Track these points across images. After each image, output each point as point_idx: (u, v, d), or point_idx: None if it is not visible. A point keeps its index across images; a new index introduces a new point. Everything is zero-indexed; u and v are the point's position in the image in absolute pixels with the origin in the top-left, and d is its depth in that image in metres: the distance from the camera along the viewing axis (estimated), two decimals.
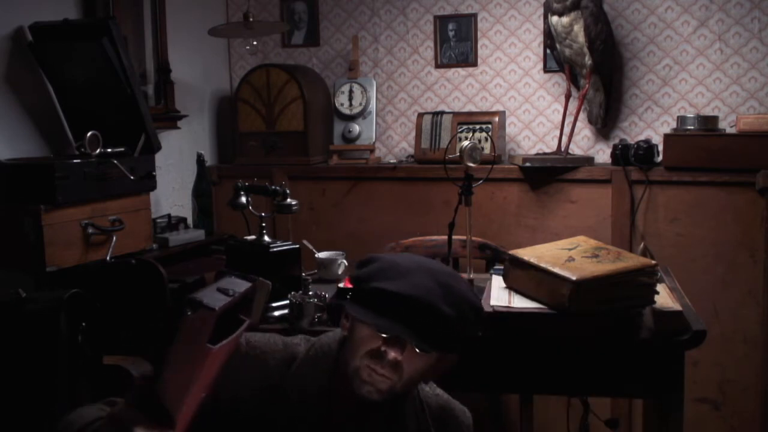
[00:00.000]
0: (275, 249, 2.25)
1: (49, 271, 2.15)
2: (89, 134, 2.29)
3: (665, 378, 1.87)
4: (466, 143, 2.19)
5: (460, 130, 3.18)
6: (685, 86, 3.21)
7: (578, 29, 3.00)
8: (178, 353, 1.22)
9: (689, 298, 2.12)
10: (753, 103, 3.14)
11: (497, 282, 2.08)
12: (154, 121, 2.69)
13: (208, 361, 1.25)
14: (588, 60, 3.05)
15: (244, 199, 2.35)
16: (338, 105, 3.44)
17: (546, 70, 3.37)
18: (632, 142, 3.10)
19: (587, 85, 3.11)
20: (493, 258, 2.75)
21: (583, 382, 1.96)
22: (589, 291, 1.80)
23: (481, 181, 2.25)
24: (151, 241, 2.61)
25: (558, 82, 3.35)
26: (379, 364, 1.45)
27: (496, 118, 3.23)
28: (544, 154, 3.27)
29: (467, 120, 3.26)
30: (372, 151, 3.42)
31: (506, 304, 1.91)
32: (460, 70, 3.48)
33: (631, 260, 1.89)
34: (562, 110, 3.23)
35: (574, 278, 1.79)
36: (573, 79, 3.20)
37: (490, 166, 2.38)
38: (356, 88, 3.42)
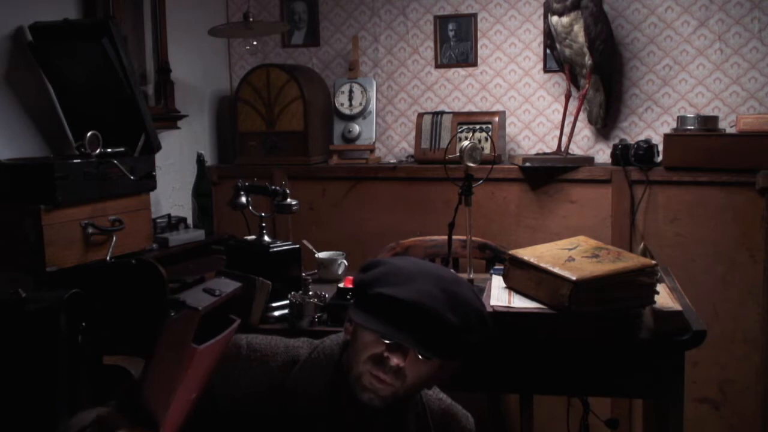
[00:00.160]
0: (275, 249, 2.25)
1: (49, 271, 2.15)
2: (89, 134, 2.29)
3: (665, 378, 1.87)
4: (466, 143, 2.19)
5: (460, 130, 3.18)
6: (685, 86, 3.21)
7: (578, 29, 3.00)
8: (162, 354, 1.22)
9: (689, 298, 2.13)
10: (753, 103, 3.14)
11: (497, 282, 2.08)
12: (154, 121, 2.69)
13: (195, 361, 1.25)
14: (588, 60, 3.05)
15: (244, 199, 2.35)
16: (338, 105, 3.44)
17: (546, 70, 3.37)
18: (632, 142, 3.10)
19: (587, 85, 3.11)
20: (493, 258, 2.75)
21: (583, 382, 1.96)
22: (589, 291, 1.80)
23: (481, 181, 2.24)
24: (151, 241, 2.61)
25: (558, 82, 3.35)
26: (381, 369, 1.44)
27: (496, 118, 3.23)
28: (544, 154, 3.27)
29: (467, 120, 3.26)
30: (372, 151, 3.42)
31: (506, 304, 1.91)
32: (460, 70, 3.48)
33: (631, 260, 1.89)
34: (562, 110, 3.23)
35: (574, 278, 1.79)
36: (573, 79, 3.20)
37: (490, 166, 2.38)
38: (356, 88, 3.42)
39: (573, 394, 2.27)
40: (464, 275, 2.23)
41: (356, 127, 3.42)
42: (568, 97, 3.17)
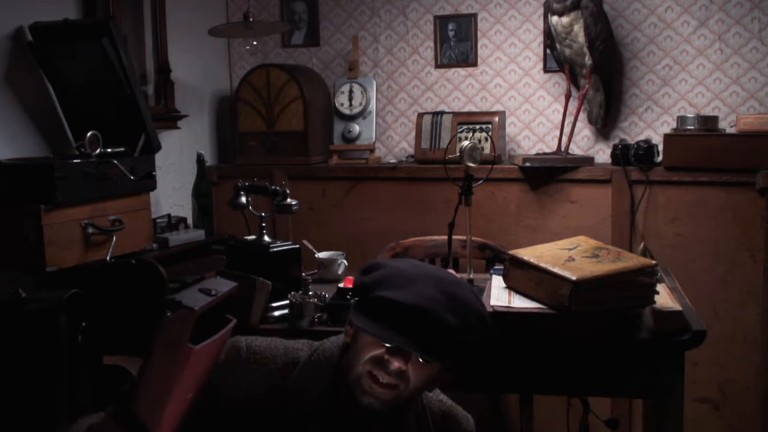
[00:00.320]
0: (275, 249, 2.25)
1: (49, 271, 2.15)
2: (89, 134, 2.29)
3: (665, 378, 1.87)
4: (466, 143, 2.19)
5: (460, 130, 3.18)
6: (685, 86, 3.21)
7: (578, 29, 3.00)
8: (158, 355, 1.22)
9: (689, 298, 2.13)
10: (753, 103, 3.14)
11: (497, 282, 2.08)
12: (154, 121, 2.69)
13: (191, 361, 1.25)
14: (588, 60, 3.05)
15: (244, 199, 2.35)
16: (338, 105, 3.44)
17: (546, 70, 3.37)
18: (632, 142, 3.10)
19: (587, 85, 3.11)
20: (493, 258, 2.75)
21: (583, 382, 1.96)
22: (589, 291, 1.80)
23: (481, 181, 2.24)
24: (151, 241, 2.61)
25: (558, 82, 3.35)
26: (382, 370, 1.44)
27: (496, 118, 3.23)
28: (544, 154, 3.27)
29: (467, 120, 3.26)
30: (372, 151, 3.42)
31: (506, 304, 1.91)
32: (460, 70, 3.48)
33: (631, 260, 1.89)
34: (562, 110, 3.23)
35: (574, 278, 1.79)
36: (573, 79, 3.20)
37: (490, 166, 2.38)
38: (356, 88, 3.42)
39: (573, 394, 2.27)
40: (464, 275, 2.23)
41: (356, 127, 3.42)
42: (568, 97, 3.17)
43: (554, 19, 3.04)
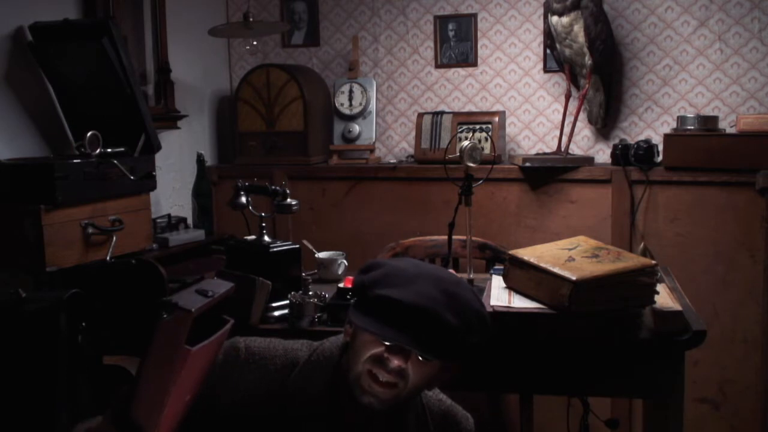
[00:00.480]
0: (275, 249, 2.25)
1: (49, 271, 2.15)
2: (89, 134, 2.29)
3: (665, 378, 1.87)
4: (466, 143, 2.19)
5: (460, 130, 3.18)
6: (685, 86, 3.21)
7: (578, 29, 3.00)
8: (155, 357, 1.22)
9: (689, 298, 2.13)
10: (753, 103, 3.14)
11: (497, 282, 2.08)
12: (154, 121, 2.69)
13: (188, 363, 1.25)
14: (588, 60, 3.05)
15: (244, 199, 2.34)
16: (338, 105, 3.44)
17: (546, 70, 3.37)
18: (632, 142, 3.10)
19: (587, 85, 3.11)
20: (493, 258, 2.75)
21: (583, 382, 1.96)
22: (589, 291, 1.80)
23: (481, 181, 2.24)
24: (151, 241, 2.61)
25: (558, 82, 3.35)
26: (381, 368, 1.44)
27: (496, 118, 3.23)
28: (544, 154, 3.27)
29: (467, 120, 3.26)
30: (372, 151, 3.42)
31: (506, 304, 1.91)
32: (460, 70, 3.48)
33: (631, 260, 1.89)
34: (562, 110, 3.23)
35: (574, 278, 1.79)
36: (573, 79, 3.20)
37: (490, 166, 2.38)
38: (356, 88, 3.42)
39: (573, 394, 2.27)
40: (464, 275, 2.23)
41: (356, 127, 3.42)
42: (568, 97, 3.17)
43: (554, 19, 3.04)
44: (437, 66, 3.50)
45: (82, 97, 2.51)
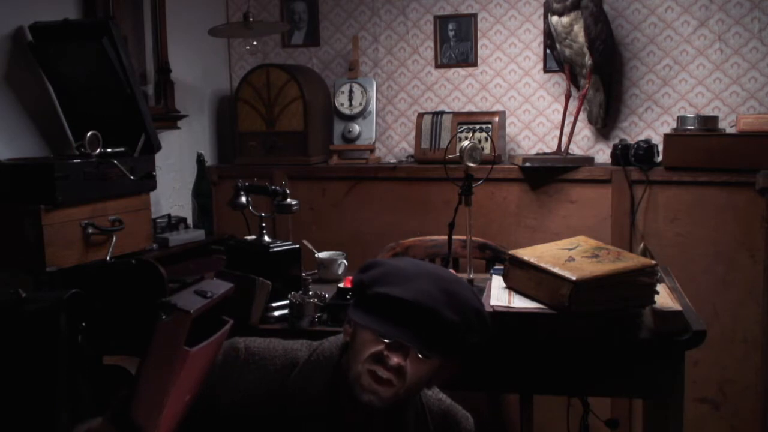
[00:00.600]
0: (275, 249, 2.25)
1: (49, 271, 2.14)
2: (89, 134, 2.29)
3: (665, 378, 1.87)
4: (466, 143, 2.19)
5: (460, 130, 3.18)
6: (685, 86, 3.21)
7: (578, 29, 3.00)
8: (154, 358, 1.22)
9: (689, 298, 2.12)
10: (753, 103, 3.14)
11: (497, 282, 2.08)
12: (154, 121, 2.69)
13: (188, 364, 1.25)
14: (588, 60, 3.05)
15: (244, 199, 2.34)
16: (338, 105, 3.44)
17: (546, 70, 3.37)
18: (632, 142, 3.10)
19: (587, 85, 3.11)
20: (493, 258, 2.75)
21: (583, 382, 1.96)
22: (589, 291, 1.80)
23: (481, 181, 2.24)
24: (151, 241, 2.61)
25: (558, 82, 3.35)
26: (381, 366, 1.44)
27: (496, 118, 3.23)
28: (544, 154, 3.27)
29: (467, 120, 3.26)
30: (372, 151, 3.42)
31: (506, 304, 1.91)
32: (460, 70, 3.48)
33: (631, 260, 1.89)
34: (562, 110, 3.23)
35: (574, 278, 1.79)
36: (573, 79, 3.20)
37: (490, 166, 2.38)
38: (356, 88, 3.42)
39: (573, 394, 2.27)
40: (464, 275, 2.23)
41: (356, 127, 3.42)
42: (568, 97, 3.17)
43: (554, 19, 3.04)
44: (437, 66, 3.50)
45: (82, 97, 2.51)
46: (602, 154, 3.31)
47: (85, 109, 2.52)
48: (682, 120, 3.03)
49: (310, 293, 2.14)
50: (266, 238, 2.29)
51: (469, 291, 1.54)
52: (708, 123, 2.99)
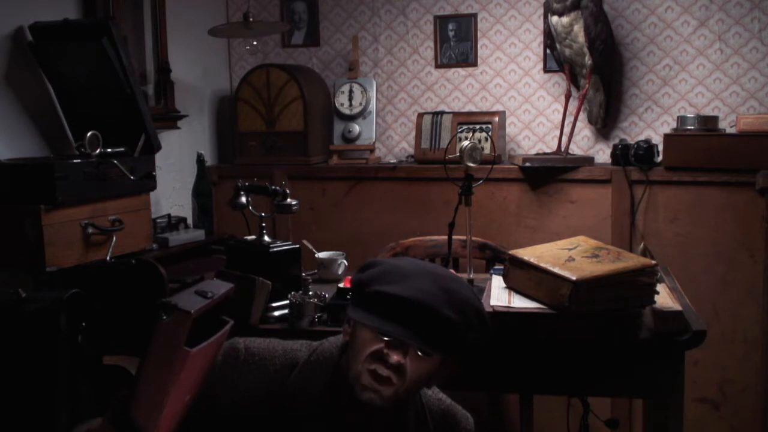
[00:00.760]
0: (275, 249, 2.25)
1: (49, 271, 2.15)
2: (89, 134, 2.29)
3: (665, 378, 1.87)
4: (466, 143, 2.19)
5: (460, 130, 3.18)
6: (685, 86, 3.21)
7: (578, 29, 3.00)
8: (155, 358, 1.22)
9: (689, 298, 2.12)
10: (753, 103, 3.14)
11: (497, 282, 2.08)
12: (154, 121, 2.69)
13: (188, 364, 1.25)
14: (588, 60, 3.05)
15: (244, 199, 2.34)
16: (338, 105, 3.44)
17: (546, 70, 3.37)
18: (632, 142, 3.10)
19: (587, 85, 3.11)
20: (493, 258, 2.75)
21: (583, 382, 1.96)
22: (589, 291, 1.80)
23: (481, 181, 2.24)
24: (151, 241, 2.61)
25: (558, 82, 3.35)
26: (381, 364, 1.44)
27: (496, 118, 3.23)
28: (544, 154, 3.27)
29: (467, 120, 3.26)
30: (372, 151, 3.42)
31: (506, 304, 1.91)
32: (460, 70, 3.48)
33: (631, 260, 1.89)
34: (562, 110, 3.23)
35: (574, 278, 1.79)
36: (573, 79, 3.20)
37: (490, 166, 2.38)
38: (356, 88, 3.42)
39: (573, 394, 2.27)
40: (464, 275, 2.23)
41: (356, 127, 3.42)
42: (568, 97, 3.17)
43: (554, 19, 3.04)
44: (437, 66, 3.51)
45: (82, 97, 2.51)
46: (602, 154, 3.31)
47: (85, 109, 2.52)
48: (682, 120, 3.03)
49: (310, 293, 2.14)
50: (266, 238, 2.29)
51: (468, 290, 1.54)
52: (708, 123, 2.99)
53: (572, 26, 3.01)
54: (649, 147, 3.03)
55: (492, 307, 1.88)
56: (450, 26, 3.47)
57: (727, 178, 2.90)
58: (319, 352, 1.57)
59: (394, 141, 3.60)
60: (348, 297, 2.09)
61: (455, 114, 3.33)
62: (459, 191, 2.22)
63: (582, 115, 3.27)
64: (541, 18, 3.31)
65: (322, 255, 2.56)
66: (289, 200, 2.33)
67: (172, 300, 1.23)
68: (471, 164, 2.19)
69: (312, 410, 1.51)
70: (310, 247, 2.63)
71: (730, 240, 2.94)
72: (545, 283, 1.87)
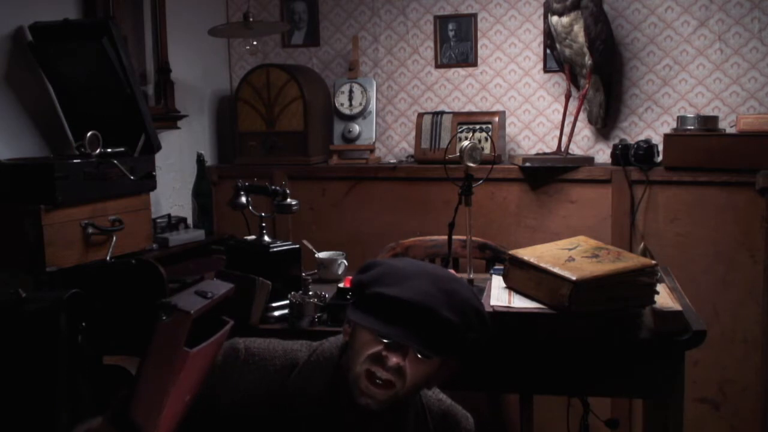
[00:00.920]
0: (275, 249, 2.25)
1: (49, 271, 2.15)
2: (89, 134, 2.29)
3: (665, 378, 1.87)
4: (466, 143, 2.19)
5: (460, 130, 3.18)
6: (685, 86, 3.21)
7: (578, 29, 3.00)
8: (154, 358, 1.22)
9: (689, 298, 2.12)
10: (753, 103, 3.14)
11: (497, 282, 2.08)
12: (154, 121, 2.69)
13: (188, 364, 1.25)
14: (588, 60, 3.05)
15: (244, 199, 2.34)
16: (338, 105, 3.44)
17: (546, 70, 3.37)
18: (632, 142, 3.10)
19: (587, 85, 3.11)
20: (493, 258, 2.75)
21: (583, 382, 1.96)
22: (589, 291, 1.80)
23: (481, 181, 2.24)
24: (151, 241, 2.61)
25: (558, 82, 3.35)
26: (380, 367, 1.44)
27: (496, 118, 3.23)
28: (544, 154, 3.27)
29: (467, 120, 3.26)
30: (372, 151, 3.42)
31: (506, 304, 1.91)
32: (460, 70, 3.48)
33: (631, 260, 1.89)
34: (562, 110, 3.23)
35: (574, 278, 1.79)
36: (573, 79, 3.20)
37: (490, 166, 2.38)
38: (356, 88, 3.42)
39: (573, 394, 2.27)
40: (464, 275, 2.23)
41: (356, 127, 3.42)
42: (568, 97, 3.17)
43: (554, 19, 3.04)
44: (437, 66, 3.51)
45: (82, 97, 2.51)
46: (602, 154, 3.31)
47: (85, 109, 2.52)
48: (682, 120, 3.03)
49: (310, 293, 2.13)
50: (266, 238, 2.29)
51: (468, 290, 1.54)
52: (708, 123, 2.99)
53: (572, 26, 3.01)
54: (649, 147, 3.03)
55: (492, 307, 1.88)
56: (450, 26, 3.47)
57: (727, 178, 2.90)
58: (319, 353, 1.57)
59: (394, 141, 3.60)
60: (348, 297, 2.09)
61: (455, 114, 3.33)
62: (459, 191, 2.22)
63: (582, 115, 3.27)
64: (541, 18, 3.31)
65: (322, 255, 2.56)
66: (289, 200, 2.33)
67: (172, 300, 1.23)
68: (471, 164, 2.19)
69: (312, 410, 1.51)
70: (310, 247, 2.63)
71: (730, 240, 2.94)
72: (545, 283, 1.87)
